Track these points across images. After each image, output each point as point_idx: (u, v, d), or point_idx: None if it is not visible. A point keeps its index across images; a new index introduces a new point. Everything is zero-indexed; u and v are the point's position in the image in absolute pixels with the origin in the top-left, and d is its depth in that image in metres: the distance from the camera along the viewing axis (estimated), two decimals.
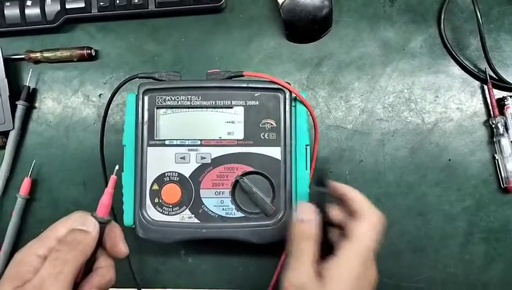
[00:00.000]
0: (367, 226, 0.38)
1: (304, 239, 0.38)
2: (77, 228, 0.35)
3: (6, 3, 0.57)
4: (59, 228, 0.35)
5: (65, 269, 0.32)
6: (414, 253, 0.53)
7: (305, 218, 0.39)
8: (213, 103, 0.48)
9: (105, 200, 0.37)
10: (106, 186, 0.51)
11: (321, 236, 0.39)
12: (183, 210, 0.47)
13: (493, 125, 0.53)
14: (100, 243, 0.37)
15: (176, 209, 0.47)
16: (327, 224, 0.41)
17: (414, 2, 0.57)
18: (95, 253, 0.37)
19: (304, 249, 0.38)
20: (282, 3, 0.54)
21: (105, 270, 0.36)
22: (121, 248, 0.37)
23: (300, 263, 0.37)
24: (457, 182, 0.53)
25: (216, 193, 0.48)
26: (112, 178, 0.38)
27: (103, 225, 0.36)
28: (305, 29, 0.55)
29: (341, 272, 0.36)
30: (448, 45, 0.55)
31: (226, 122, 0.48)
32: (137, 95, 0.48)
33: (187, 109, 0.48)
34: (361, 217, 0.39)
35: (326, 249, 0.39)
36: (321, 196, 0.41)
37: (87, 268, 0.36)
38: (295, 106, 0.48)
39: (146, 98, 0.48)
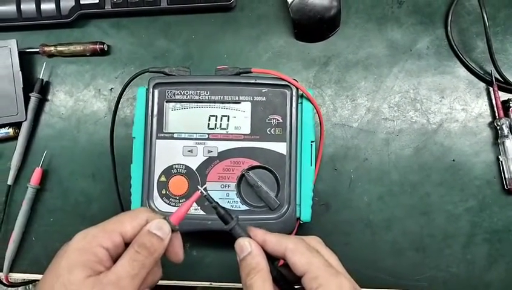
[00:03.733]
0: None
1: (250, 272, 0.36)
2: (154, 232, 0.35)
3: None
4: (125, 224, 0.35)
5: (141, 272, 0.33)
6: (417, 252, 0.53)
7: (244, 254, 0.37)
8: (221, 98, 0.49)
9: (183, 210, 0.37)
10: (116, 178, 0.54)
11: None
12: None
13: (498, 127, 0.53)
14: None
15: (182, 201, 0.48)
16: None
17: (422, 4, 0.57)
18: None
19: (255, 281, 0.35)
20: (292, 2, 0.55)
21: (156, 269, 0.37)
22: (181, 255, 0.38)
23: None
24: (461, 182, 0.54)
25: (222, 186, 0.48)
26: (196, 193, 0.38)
27: (172, 233, 0.37)
28: (313, 28, 0.56)
29: None
30: (455, 47, 0.55)
31: (233, 117, 0.49)
32: (147, 89, 0.50)
33: (195, 103, 0.49)
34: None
35: None
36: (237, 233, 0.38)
37: None
38: (302, 103, 0.49)
39: (156, 91, 0.49)
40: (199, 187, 0.39)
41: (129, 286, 0.33)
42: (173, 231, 0.37)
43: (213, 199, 0.39)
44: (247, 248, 0.37)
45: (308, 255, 0.36)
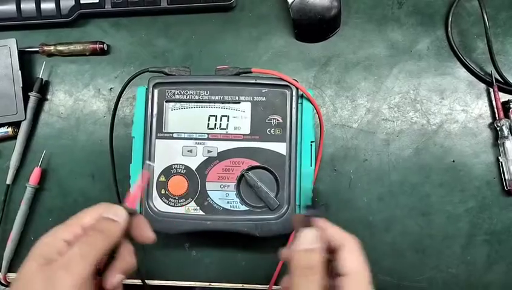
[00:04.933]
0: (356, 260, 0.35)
1: (308, 269, 0.34)
2: (107, 217, 0.36)
3: None
4: (84, 216, 0.37)
5: (91, 251, 0.34)
6: (417, 253, 0.53)
7: (309, 247, 0.34)
8: (221, 97, 0.49)
9: (135, 193, 0.39)
10: (115, 178, 0.54)
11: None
12: (189, 202, 0.48)
13: (498, 128, 0.53)
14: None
15: (182, 201, 0.48)
16: None
17: (422, 5, 0.57)
18: (119, 242, 0.38)
19: (311, 282, 0.33)
20: (292, 3, 0.54)
21: (126, 255, 0.38)
22: (150, 234, 0.39)
23: None
24: (461, 183, 0.54)
25: (222, 186, 0.48)
26: (145, 173, 0.39)
27: (130, 215, 0.38)
28: (313, 29, 0.56)
29: None
30: (455, 48, 0.55)
31: (233, 117, 0.49)
32: (147, 88, 0.50)
33: (195, 103, 0.49)
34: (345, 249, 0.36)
35: None
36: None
37: (110, 258, 0.38)
38: (302, 103, 0.49)
39: (155, 91, 0.49)
40: (147, 163, 0.39)
41: (78, 266, 0.33)
42: (132, 214, 0.38)
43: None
44: (316, 242, 0.35)
45: (358, 262, 0.35)
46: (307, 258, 0.34)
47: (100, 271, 0.37)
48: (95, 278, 0.35)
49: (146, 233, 0.39)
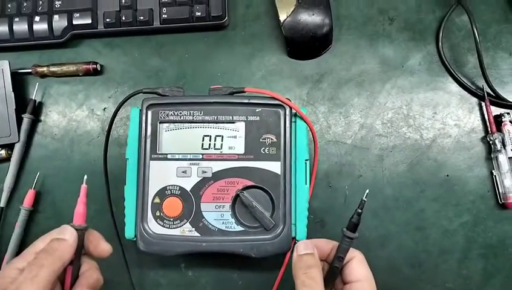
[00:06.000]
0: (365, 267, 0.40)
1: (308, 268, 0.38)
2: (55, 237, 0.37)
3: (15, 19, 0.59)
4: (38, 244, 0.37)
5: (40, 272, 0.34)
6: (413, 268, 0.53)
7: (306, 252, 0.40)
8: (215, 118, 0.49)
9: (79, 209, 0.40)
10: (110, 199, 0.53)
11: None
12: (184, 223, 0.48)
13: (491, 142, 0.54)
14: (81, 250, 0.39)
15: (177, 222, 0.48)
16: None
17: (413, 21, 0.58)
18: (79, 260, 0.39)
19: (312, 278, 0.38)
20: (284, 21, 0.55)
21: (89, 272, 0.39)
22: (104, 246, 0.40)
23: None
24: (455, 197, 0.54)
25: (217, 207, 0.48)
26: (83, 187, 0.41)
27: (80, 231, 0.39)
28: (306, 46, 0.57)
29: None
30: (446, 63, 0.56)
31: (227, 137, 0.49)
32: (140, 110, 0.50)
33: (189, 124, 0.49)
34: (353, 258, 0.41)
35: None
36: (345, 241, 0.41)
37: (75, 277, 0.38)
38: (295, 122, 0.49)
39: (149, 112, 0.49)
40: (85, 178, 0.41)
41: (28, 288, 0.33)
42: (81, 230, 0.38)
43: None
44: (311, 249, 0.41)
45: (368, 271, 0.40)
46: (305, 260, 0.39)
47: None
48: None
49: (100, 246, 0.40)
